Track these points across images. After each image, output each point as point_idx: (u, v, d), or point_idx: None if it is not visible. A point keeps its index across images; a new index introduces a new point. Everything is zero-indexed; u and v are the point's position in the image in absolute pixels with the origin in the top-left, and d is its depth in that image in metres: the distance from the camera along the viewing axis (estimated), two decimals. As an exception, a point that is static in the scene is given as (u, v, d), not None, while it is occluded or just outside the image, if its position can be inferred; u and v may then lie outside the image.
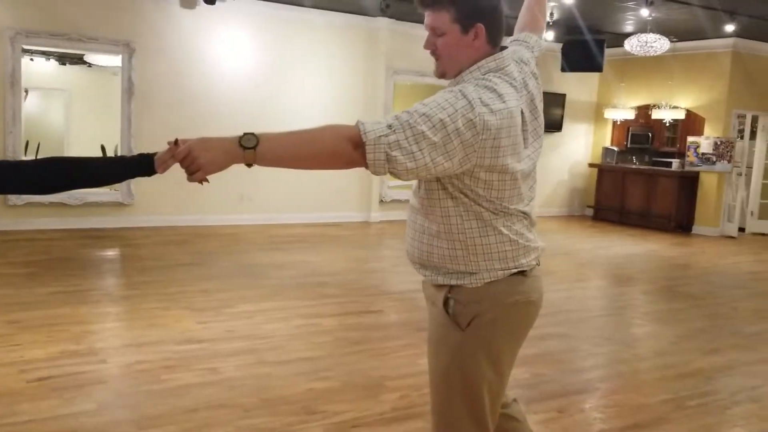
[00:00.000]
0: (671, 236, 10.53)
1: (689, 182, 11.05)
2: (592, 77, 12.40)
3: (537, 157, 1.95)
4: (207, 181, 1.69)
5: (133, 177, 1.81)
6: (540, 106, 1.97)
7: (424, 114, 1.66)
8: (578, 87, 12.43)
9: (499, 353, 1.91)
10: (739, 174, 11.04)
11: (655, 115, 11.42)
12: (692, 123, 11.12)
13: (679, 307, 6.02)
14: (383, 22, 9.87)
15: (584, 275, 7.32)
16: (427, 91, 11.34)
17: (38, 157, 1.58)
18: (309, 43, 9.56)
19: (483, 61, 1.85)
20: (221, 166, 1.67)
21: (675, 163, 11.24)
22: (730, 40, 10.29)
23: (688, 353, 4.65)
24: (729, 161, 10.57)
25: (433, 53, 1.89)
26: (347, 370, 3.92)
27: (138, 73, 8.38)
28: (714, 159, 10.62)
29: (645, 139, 11.89)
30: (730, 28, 8.89)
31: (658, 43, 8.72)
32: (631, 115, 11.96)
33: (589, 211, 12.67)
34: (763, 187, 11.26)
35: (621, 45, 9.39)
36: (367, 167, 1.65)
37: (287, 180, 9.44)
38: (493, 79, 1.79)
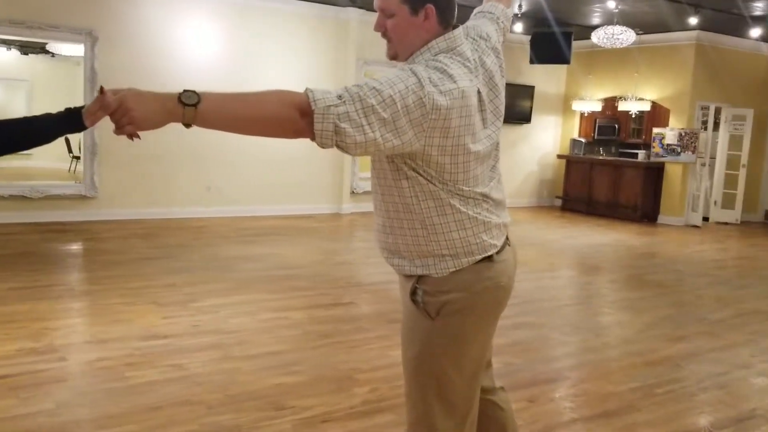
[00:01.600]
0: (638, 226, 10.66)
1: (655, 173, 11.20)
2: (560, 69, 12.48)
3: (497, 136, 1.89)
4: (138, 137, 1.56)
5: (63, 133, 1.69)
6: (501, 82, 1.90)
7: (374, 88, 1.61)
8: (547, 79, 12.50)
9: (470, 340, 1.88)
10: (703, 164, 11.22)
11: (622, 106, 11.54)
12: (658, 114, 11.27)
13: (645, 295, 6.09)
14: (353, 13, 9.78)
15: (554, 265, 7.36)
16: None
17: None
18: (277, 33, 9.43)
19: (433, 42, 1.80)
20: (156, 123, 1.54)
21: (641, 154, 11.38)
22: (694, 33, 10.42)
23: (655, 341, 4.70)
24: (693, 152, 10.73)
25: (384, 35, 1.86)
26: (316, 363, 3.87)
27: (101, 62, 8.17)
28: (679, 150, 10.77)
29: (612, 130, 12.02)
30: (693, 20, 8.99)
31: (624, 36, 8.80)
32: (598, 107, 12.07)
33: (558, 202, 12.77)
34: (726, 177, 11.47)
35: (588, 37, 9.45)
36: (313, 138, 1.58)
37: (257, 171, 9.33)
38: (444, 60, 1.74)
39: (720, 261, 8.16)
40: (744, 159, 11.33)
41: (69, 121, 1.65)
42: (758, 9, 8.56)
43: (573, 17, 9.96)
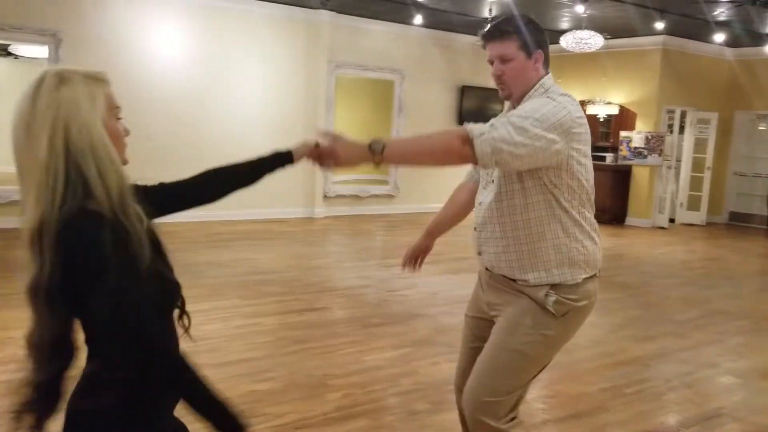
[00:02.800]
0: (606, 228, 10.80)
1: (623, 175, 11.38)
2: (530, 73, 12.59)
3: None
4: (335, 168, 1.91)
5: (273, 171, 1.85)
6: None
7: (522, 115, 1.94)
8: (516, 82, 12.61)
9: (568, 339, 2.23)
10: (669, 167, 11.43)
11: (590, 110, 11.70)
12: (625, 118, 11.45)
13: (615, 296, 6.18)
14: (325, 15, 9.77)
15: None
16: (371, 85, 11.36)
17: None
18: (247, 35, 9.39)
19: (545, 79, 2.13)
20: (353, 164, 1.92)
21: (609, 157, 11.55)
22: (660, 38, 10.62)
23: (624, 341, 4.77)
24: (660, 155, 10.93)
25: (500, 78, 2.14)
26: (290, 370, 3.86)
27: (66, 64, 8.04)
28: (646, 153, 10.96)
29: (581, 133, 12.17)
30: (660, 25, 9.16)
31: (593, 40, 8.92)
32: (567, 110, 12.20)
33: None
34: (692, 179, 11.70)
35: (557, 42, 9.56)
36: (476, 162, 1.92)
37: (227, 176, 9.27)
38: (570, 96, 2.10)
39: (687, 262, 8.33)
40: (709, 161, 11.57)
41: (282, 161, 1.83)
42: (722, 14, 8.75)
43: (542, 22, 9.98)
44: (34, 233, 1.29)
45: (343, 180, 10.59)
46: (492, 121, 1.95)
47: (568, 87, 12.37)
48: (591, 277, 2.15)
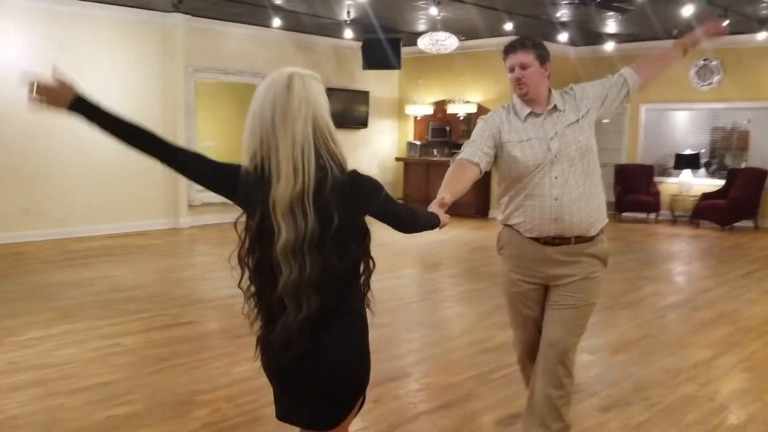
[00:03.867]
0: (472, 221, 11.23)
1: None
2: (393, 74, 12.84)
3: None
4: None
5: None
6: None
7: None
8: (380, 84, 12.81)
9: None
10: (527, 160, 12.03)
11: (451, 109, 12.11)
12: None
13: (481, 286, 6.41)
14: (178, 18, 9.42)
15: (397, 265, 7.54)
16: (232, 89, 11.06)
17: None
18: (96, 41, 8.85)
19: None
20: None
21: (471, 153, 11.99)
22: (510, 38, 11.14)
23: (490, 329, 4.95)
24: (517, 149, 11.48)
25: (519, 81, 2.72)
26: (152, 390, 3.66)
27: None
28: (504, 148, 11.48)
29: (443, 132, 12.57)
30: (509, 26, 9.62)
31: (448, 41, 9.23)
32: (429, 110, 12.57)
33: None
34: (548, 171, 12.39)
35: (416, 43, 9.80)
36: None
37: (84, 188, 8.71)
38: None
39: (546, 249, 8.80)
40: (561, 154, 12.31)
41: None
42: (564, 15, 9.33)
43: (400, 24, 10.30)
44: (295, 198, 1.67)
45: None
46: (617, 79, 2.86)
47: (428, 87, 12.77)
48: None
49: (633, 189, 11.53)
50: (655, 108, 11.88)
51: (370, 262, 1.89)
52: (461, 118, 12.20)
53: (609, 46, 11.21)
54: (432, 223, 2.16)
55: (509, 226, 2.87)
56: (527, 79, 2.71)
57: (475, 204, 11.84)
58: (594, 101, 2.82)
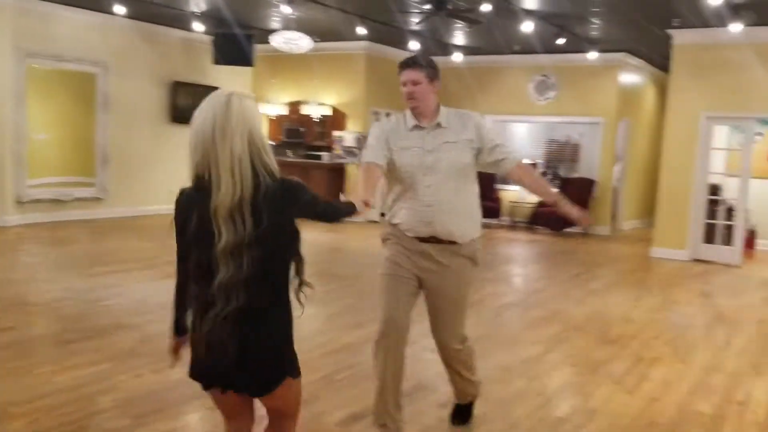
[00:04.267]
0: (325, 224, 11.24)
1: (337, 173, 11.94)
2: (246, 72, 12.57)
3: None
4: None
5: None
6: None
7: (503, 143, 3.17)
8: (233, 81, 12.47)
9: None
10: (379, 164, 12.26)
11: (305, 110, 12.07)
12: (338, 119, 12.03)
13: (331, 288, 6.43)
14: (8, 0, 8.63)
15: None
16: (70, 78, 10.26)
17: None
18: None
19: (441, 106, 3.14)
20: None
21: (325, 156, 12.04)
22: (364, 43, 11.34)
23: (338, 330, 4.97)
24: (370, 153, 11.67)
25: (410, 95, 3.02)
26: (-40, 403, 3.30)
27: None
28: (357, 152, 11.63)
29: (298, 133, 12.50)
30: (362, 31, 9.75)
31: (302, 41, 9.19)
32: (284, 110, 12.45)
33: (250, 204, 12.88)
34: (399, 175, 12.71)
35: (269, 41, 9.66)
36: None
37: None
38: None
39: (395, 251, 9.00)
40: (412, 159, 12.67)
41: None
42: (415, 24, 9.60)
43: (253, 20, 10.10)
44: (234, 205, 1.87)
45: (40, 183, 9.47)
46: (500, 152, 3.12)
47: (282, 87, 12.64)
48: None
49: (477, 195, 12.11)
50: (497, 119, 12.56)
51: (301, 260, 2.11)
52: (316, 120, 12.20)
53: (457, 58, 11.69)
54: (350, 210, 2.39)
55: (393, 224, 3.12)
56: (417, 94, 3.01)
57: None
58: (478, 140, 3.08)
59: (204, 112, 1.96)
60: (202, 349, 2.01)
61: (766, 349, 5.07)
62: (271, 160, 1.97)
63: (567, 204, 3.15)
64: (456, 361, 3.34)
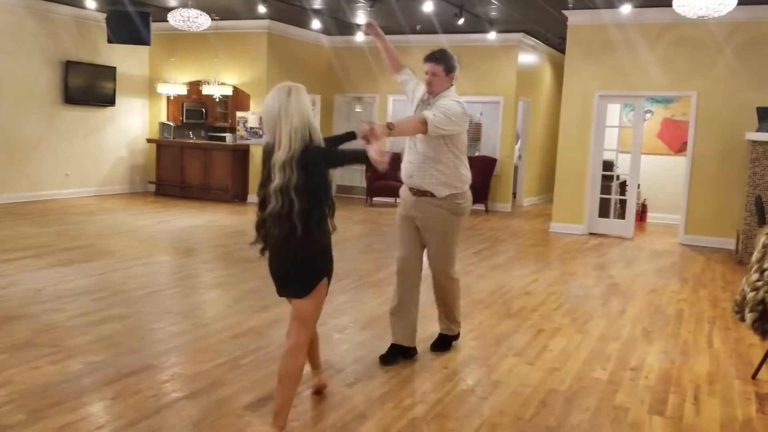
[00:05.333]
0: (229, 206, 11.01)
1: (242, 154, 11.69)
2: (143, 50, 12.05)
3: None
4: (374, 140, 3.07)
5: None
6: None
7: (445, 113, 3.73)
8: (128, 60, 11.94)
9: (463, 226, 4.07)
10: (285, 145, 12.09)
11: (206, 90, 11.70)
12: (240, 99, 11.74)
13: (235, 271, 6.29)
14: None
15: (145, 251, 7.10)
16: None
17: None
18: None
19: (452, 89, 3.98)
20: (381, 136, 3.18)
21: (228, 137, 11.75)
22: (265, 22, 11.09)
23: (242, 314, 4.88)
24: (275, 134, 11.49)
25: (428, 83, 3.90)
26: None
27: None
28: (261, 132, 11.42)
29: (199, 114, 12.12)
30: (262, 9, 9.52)
31: (200, 20, 8.88)
32: (183, 90, 12.02)
33: (152, 187, 12.42)
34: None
35: (167, 19, 9.27)
36: (426, 132, 3.70)
37: None
38: (459, 99, 3.91)
39: (302, 233, 8.92)
40: (318, 139, 12.56)
41: (351, 137, 3.41)
42: (316, 3, 9.47)
43: (149, -3, 9.66)
44: (286, 160, 2.74)
45: None
46: (434, 110, 3.74)
47: (181, 66, 12.21)
48: (468, 190, 4.00)
49: (383, 175, 12.15)
50: (402, 99, 12.63)
51: (332, 204, 2.98)
52: (218, 100, 11.86)
53: (359, 38, 11.65)
54: (357, 157, 3.03)
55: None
56: (432, 82, 3.89)
57: (233, 188, 11.63)
58: None
59: (272, 99, 2.84)
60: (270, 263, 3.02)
61: (656, 317, 5.38)
62: (316, 133, 2.85)
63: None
64: (443, 292, 4.14)
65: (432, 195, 3.88)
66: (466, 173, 3.98)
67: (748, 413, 3.51)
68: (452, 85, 3.98)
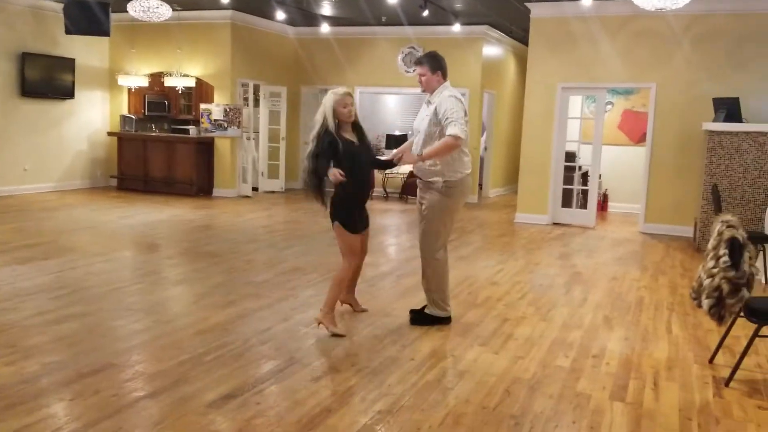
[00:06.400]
0: (194, 200, 10.88)
1: (206, 147, 11.54)
2: (102, 42, 11.81)
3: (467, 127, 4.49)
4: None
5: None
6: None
7: (453, 118, 4.31)
8: (88, 51, 11.70)
9: (451, 210, 4.58)
10: (249, 138, 12.00)
11: (168, 82, 11.52)
12: (204, 91, 11.59)
13: (200, 266, 6.23)
14: None
15: (107, 248, 6.98)
16: None
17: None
18: None
19: (446, 84, 4.57)
20: (413, 162, 4.53)
21: (192, 129, 11.59)
22: (228, 12, 10.95)
23: (206, 310, 4.83)
24: (238, 127, 11.38)
25: (420, 83, 4.59)
26: None
27: None
28: (225, 125, 11.29)
29: (162, 106, 11.93)
30: (225, 0, 9.39)
31: (162, 9, 8.72)
32: (145, 82, 11.81)
33: (114, 182, 12.21)
34: (270, 149, 12.51)
35: (126, 9, 9.09)
36: (459, 145, 4.38)
37: None
38: (452, 91, 4.49)
39: (268, 227, 8.87)
40: (283, 132, 12.50)
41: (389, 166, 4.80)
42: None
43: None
44: (313, 137, 4.30)
45: None
46: (444, 123, 4.34)
47: (142, 58, 12.01)
48: (463, 177, 4.52)
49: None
50: (368, 91, 12.62)
51: (345, 166, 4.23)
52: (181, 92, 11.68)
53: (325, 29, 11.58)
54: (318, 174, 4.37)
55: None
56: (424, 83, 4.57)
57: (198, 182, 11.49)
58: (435, 115, 4.43)
59: (328, 98, 4.33)
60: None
61: (617, 305, 5.48)
62: (329, 121, 4.25)
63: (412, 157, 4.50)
64: (427, 269, 4.66)
65: (427, 181, 4.54)
66: (466, 160, 4.56)
67: (706, 397, 3.60)
68: (445, 80, 4.53)
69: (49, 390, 3.34)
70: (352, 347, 4.17)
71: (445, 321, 4.71)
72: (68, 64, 11.26)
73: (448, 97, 4.36)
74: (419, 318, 4.74)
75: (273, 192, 12.50)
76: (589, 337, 4.56)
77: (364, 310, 4.95)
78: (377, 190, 12.45)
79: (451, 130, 4.23)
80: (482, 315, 5.01)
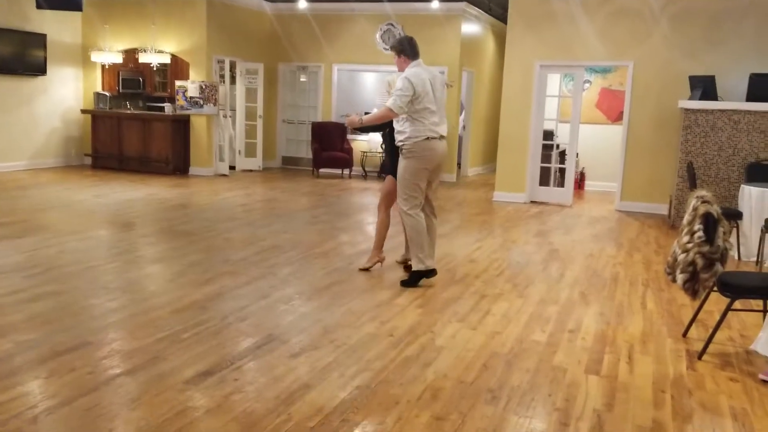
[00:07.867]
0: (170, 179, 10.76)
1: (182, 125, 11.39)
2: (75, 17, 11.55)
3: (444, 100, 5.14)
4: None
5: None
6: (438, 87, 5.11)
7: (396, 90, 4.92)
8: (60, 27, 11.44)
9: (413, 171, 5.02)
10: (225, 116, 11.86)
11: (143, 59, 11.32)
12: (179, 67, 11.41)
13: (176, 245, 6.17)
14: None
15: (82, 226, 6.88)
16: None
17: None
18: None
19: (408, 67, 5.04)
20: (356, 126, 5.23)
21: (168, 107, 11.42)
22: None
23: (183, 288, 4.79)
24: (215, 104, 11.23)
25: (397, 65, 5.16)
26: None
27: None
28: (201, 102, 11.14)
29: (137, 83, 11.74)
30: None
31: (135, -17, 8.52)
32: (119, 58, 11.60)
33: (88, 160, 12.03)
34: (247, 127, 12.38)
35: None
36: (396, 116, 4.96)
37: None
38: (414, 70, 5.00)
39: (245, 205, 8.80)
40: (260, 110, 12.37)
41: None
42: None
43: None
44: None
45: None
46: (390, 99, 4.92)
47: (116, 34, 11.77)
48: (417, 142, 4.97)
49: (329, 146, 12.08)
50: (346, 68, 12.51)
51: (392, 130, 5.15)
52: (155, 69, 11.49)
53: (302, 5, 11.43)
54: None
55: None
56: (397, 66, 5.13)
57: (173, 160, 11.36)
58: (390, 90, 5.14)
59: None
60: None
61: (593, 281, 5.54)
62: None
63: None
64: (404, 224, 5.16)
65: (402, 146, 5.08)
66: (421, 128, 4.95)
67: (680, 370, 3.66)
68: (412, 60, 5.05)
69: (23, 368, 3.30)
70: (330, 325, 4.17)
71: (429, 274, 5.16)
72: (39, 39, 11.01)
73: (402, 78, 4.93)
74: (407, 282, 5.15)
75: (251, 171, 12.41)
76: (566, 313, 4.61)
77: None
78: (356, 169, 12.41)
79: (387, 103, 4.91)
80: (460, 292, 5.03)
